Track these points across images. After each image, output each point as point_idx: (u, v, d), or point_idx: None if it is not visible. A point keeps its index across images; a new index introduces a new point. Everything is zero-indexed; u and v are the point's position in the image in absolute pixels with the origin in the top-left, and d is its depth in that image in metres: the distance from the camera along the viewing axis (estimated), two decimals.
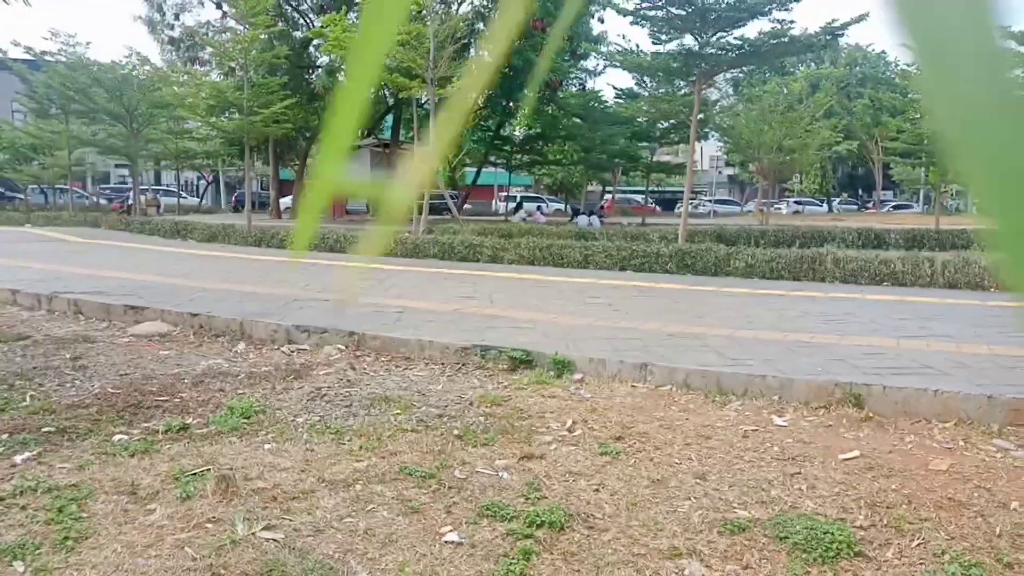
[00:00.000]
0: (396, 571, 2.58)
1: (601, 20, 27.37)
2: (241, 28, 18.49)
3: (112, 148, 26.57)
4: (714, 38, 13.71)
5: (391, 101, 26.49)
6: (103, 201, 38.03)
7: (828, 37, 13.68)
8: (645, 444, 3.83)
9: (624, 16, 13.98)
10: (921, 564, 2.67)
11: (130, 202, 33.40)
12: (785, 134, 22.90)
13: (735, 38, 13.76)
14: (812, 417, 4.31)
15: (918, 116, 22.26)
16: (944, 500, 3.17)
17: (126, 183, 43.03)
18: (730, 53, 13.94)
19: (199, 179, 52.91)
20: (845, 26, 13.29)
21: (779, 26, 13.30)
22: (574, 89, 29.64)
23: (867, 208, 50.20)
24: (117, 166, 47.87)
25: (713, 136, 31.87)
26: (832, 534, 2.79)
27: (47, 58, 25.63)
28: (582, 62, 28.73)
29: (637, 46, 15.89)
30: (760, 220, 25.41)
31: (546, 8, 23.03)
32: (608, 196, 41.02)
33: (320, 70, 24.58)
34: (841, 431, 4.08)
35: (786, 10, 13.51)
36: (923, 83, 0.29)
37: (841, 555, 2.69)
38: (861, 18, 13.04)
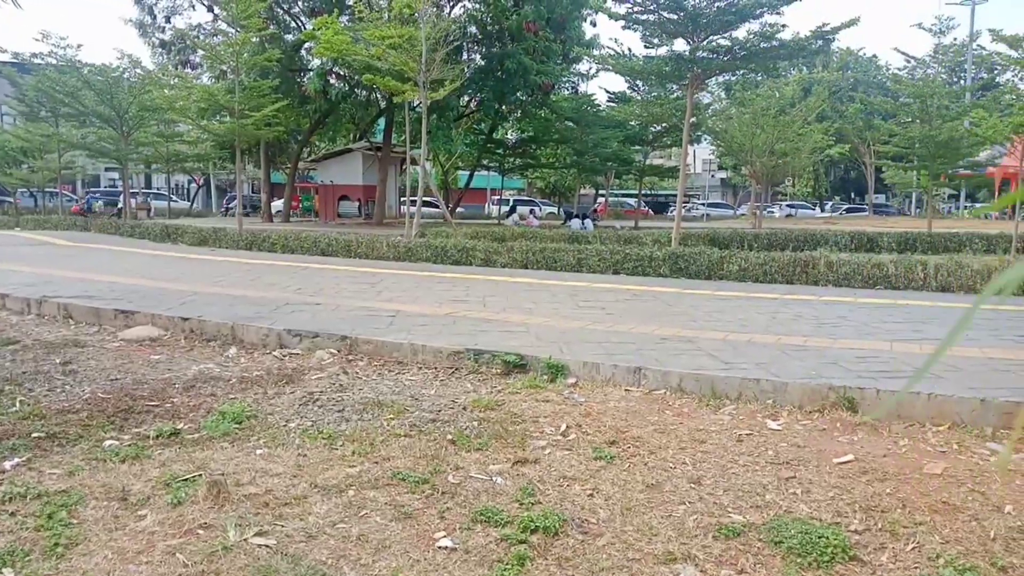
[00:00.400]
0: None
1: (593, 24, 27.35)
2: (232, 31, 18.44)
3: (102, 151, 26.44)
4: (705, 42, 13.74)
5: (383, 104, 26.44)
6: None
7: (819, 41, 13.73)
8: (639, 448, 3.82)
9: (616, 20, 13.99)
10: (916, 568, 2.67)
11: (90, 205, 33.18)
12: (777, 137, 22.96)
13: (725, 38, 13.78)
14: (806, 421, 4.31)
15: (909, 120, 22.38)
16: (938, 504, 3.17)
17: (116, 187, 42.85)
18: (721, 57, 13.97)
19: (190, 182, 52.74)
20: (836, 30, 13.33)
21: (769, 29, 13.33)
22: (567, 92, 29.62)
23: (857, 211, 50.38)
24: (107, 169, 47.69)
25: (706, 139, 31.95)
26: (827, 538, 2.79)
27: (37, 60, 25.51)
28: (574, 66, 28.70)
29: (629, 50, 15.95)
30: (753, 224, 25.47)
31: (539, 11, 23.02)
32: (601, 199, 41.07)
33: (311, 73, 24.45)
34: (835, 435, 4.08)
35: (777, 13, 13.55)
36: None
37: (836, 559, 2.69)
38: (852, 22, 13.09)
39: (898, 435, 4.08)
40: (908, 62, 48.18)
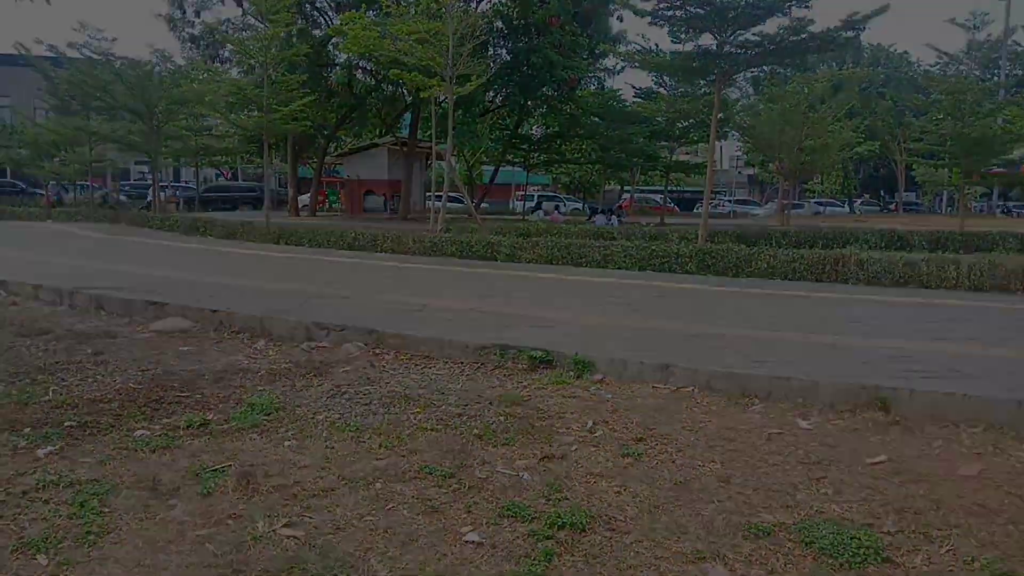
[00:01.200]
0: (416, 570, 2.56)
1: (620, 19, 27.18)
2: (261, 26, 18.59)
3: (132, 144, 26.77)
4: (733, 37, 13.58)
5: (409, 99, 26.50)
6: (124, 197, 38.35)
7: (849, 32, 13.50)
8: (667, 446, 3.79)
9: (642, 17, 13.89)
10: (951, 571, 2.62)
11: (59, 197, 33.52)
12: (806, 134, 22.68)
13: (754, 34, 13.62)
14: (838, 420, 4.25)
15: (941, 117, 22.02)
16: (974, 506, 3.11)
17: (145, 179, 43.34)
18: (749, 51, 13.81)
19: (217, 176, 53.25)
20: (866, 19, 13.10)
21: (798, 22, 13.14)
22: (592, 88, 29.47)
23: (889, 210, 49.62)
24: (136, 162, 48.24)
25: (733, 135, 31.65)
26: (859, 539, 2.74)
27: (71, 52, 25.83)
28: (600, 61, 28.54)
29: (656, 45, 15.83)
30: (780, 221, 25.21)
31: (565, 6, 22.91)
32: (626, 196, 40.82)
33: (338, 67, 24.55)
34: (867, 435, 4.02)
35: (806, 7, 13.35)
36: None
37: (868, 561, 2.65)
38: (882, 10, 12.87)
39: (932, 436, 4.01)
40: (940, 58, 47.33)
